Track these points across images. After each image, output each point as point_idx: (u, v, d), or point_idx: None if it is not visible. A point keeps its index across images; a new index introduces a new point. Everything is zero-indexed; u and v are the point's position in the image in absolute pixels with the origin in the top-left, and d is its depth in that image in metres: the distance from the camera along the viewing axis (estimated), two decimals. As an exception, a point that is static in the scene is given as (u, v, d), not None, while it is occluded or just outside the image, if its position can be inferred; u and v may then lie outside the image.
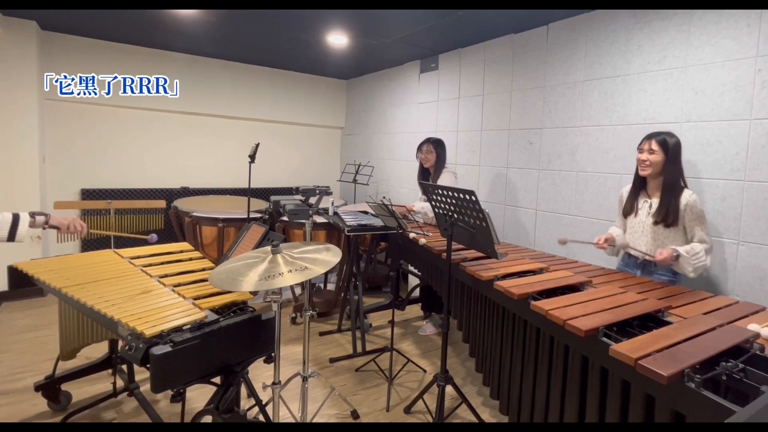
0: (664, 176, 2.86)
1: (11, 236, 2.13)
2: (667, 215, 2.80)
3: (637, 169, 2.97)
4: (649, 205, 2.94)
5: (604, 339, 1.85)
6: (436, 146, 4.41)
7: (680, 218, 2.79)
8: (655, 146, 2.83)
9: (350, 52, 5.86)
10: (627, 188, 3.11)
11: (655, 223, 2.86)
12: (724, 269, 3.15)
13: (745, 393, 1.54)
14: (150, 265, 2.80)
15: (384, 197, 3.53)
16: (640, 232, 2.97)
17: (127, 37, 5.72)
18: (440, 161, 4.40)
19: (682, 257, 2.72)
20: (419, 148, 4.50)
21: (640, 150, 2.92)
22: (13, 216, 2.15)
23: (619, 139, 3.70)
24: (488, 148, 5.02)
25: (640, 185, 3.01)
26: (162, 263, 2.87)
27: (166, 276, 2.65)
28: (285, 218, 4.95)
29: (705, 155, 3.21)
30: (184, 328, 2.06)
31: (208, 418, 2.27)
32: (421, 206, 3.93)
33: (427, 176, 4.47)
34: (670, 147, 2.83)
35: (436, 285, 3.49)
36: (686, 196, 2.78)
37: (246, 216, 5.05)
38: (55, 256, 2.94)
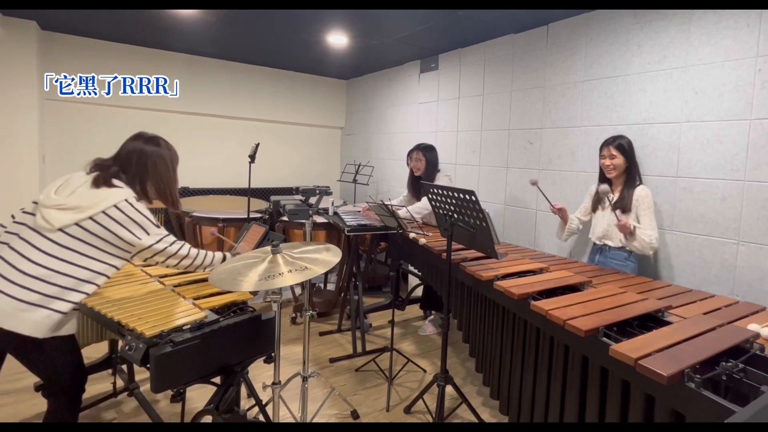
0: (625, 173, 3.29)
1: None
2: (625, 203, 3.17)
3: (601, 171, 3.38)
4: (611, 198, 3.26)
5: (604, 339, 1.85)
6: (425, 153, 4.41)
7: (633, 207, 3.16)
8: (614, 151, 3.27)
9: (350, 52, 5.86)
10: (594, 186, 3.46)
11: (614, 209, 3.15)
12: (724, 269, 3.14)
13: (745, 393, 1.54)
14: (150, 265, 2.80)
15: (370, 197, 3.52)
16: (601, 219, 3.36)
17: (127, 37, 5.72)
18: (431, 167, 4.40)
19: (637, 231, 3.09)
20: (409, 155, 4.50)
21: (602, 157, 3.32)
22: (224, 255, 2.47)
23: (619, 139, 3.70)
24: (488, 148, 5.02)
25: (606, 184, 3.33)
26: (162, 263, 2.86)
27: (166, 276, 2.65)
28: (285, 218, 4.95)
29: (705, 155, 3.21)
30: (184, 328, 2.05)
31: (208, 418, 2.26)
32: (405, 211, 3.89)
33: (417, 183, 4.48)
34: (626, 148, 3.27)
35: (436, 285, 3.49)
36: (639, 190, 3.17)
37: (246, 216, 5.05)
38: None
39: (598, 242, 3.38)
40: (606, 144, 3.32)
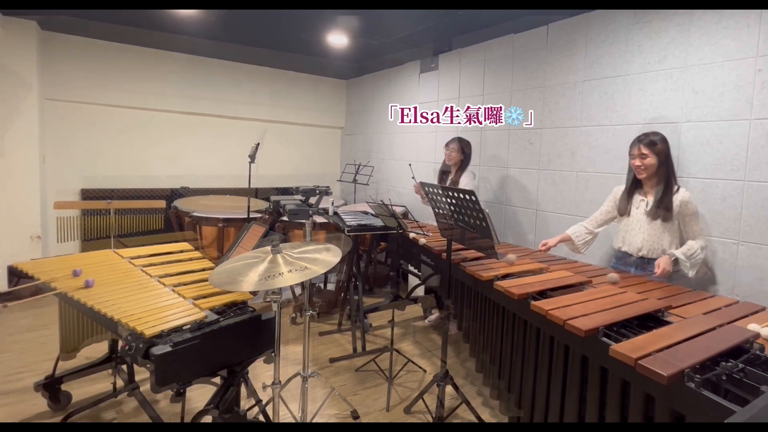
0: (657, 175, 2.94)
1: None
2: (664, 211, 2.88)
3: (631, 171, 3.06)
4: (645, 203, 3.00)
5: (604, 339, 1.85)
6: (462, 145, 4.47)
7: (674, 215, 2.88)
8: (645, 150, 2.92)
9: (350, 52, 5.85)
10: (621, 188, 3.17)
11: (653, 218, 2.92)
12: (723, 269, 3.14)
13: (745, 393, 1.54)
14: (150, 265, 2.80)
15: (370, 197, 3.52)
16: (637, 230, 3.03)
17: (128, 37, 5.72)
18: (466, 159, 4.49)
19: (680, 261, 2.79)
20: (447, 144, 4.54)
21: (632, 156, 3.00)
22: None
23: (620, 140, 3.69)
24: (488, 148, 5.02)
25: (635, 185, 3.08)
26: (162, 263, 2.86)
27: (166, 276, 2.64)
28: (285, 218, 4.95)
29: (705, 155, 3.21)
30: (184, 328, 2.06)
31: (208, 418, 2.26)
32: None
33: (447, 172, 4.55)
34: (659, 146, 2.91)
35: (435, 285, 3.48)
36: (681, 194, 2.88)
37: (246, 216, 5.04)
38: (56, 256, 2.94)
39: (634, 254, 3.05)
40: (636, 142, 2.97)
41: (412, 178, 4.51)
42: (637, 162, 2.95)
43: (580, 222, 3.36)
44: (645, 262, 3.00)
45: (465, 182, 4.35)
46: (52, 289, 2.42)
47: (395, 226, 3.37)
